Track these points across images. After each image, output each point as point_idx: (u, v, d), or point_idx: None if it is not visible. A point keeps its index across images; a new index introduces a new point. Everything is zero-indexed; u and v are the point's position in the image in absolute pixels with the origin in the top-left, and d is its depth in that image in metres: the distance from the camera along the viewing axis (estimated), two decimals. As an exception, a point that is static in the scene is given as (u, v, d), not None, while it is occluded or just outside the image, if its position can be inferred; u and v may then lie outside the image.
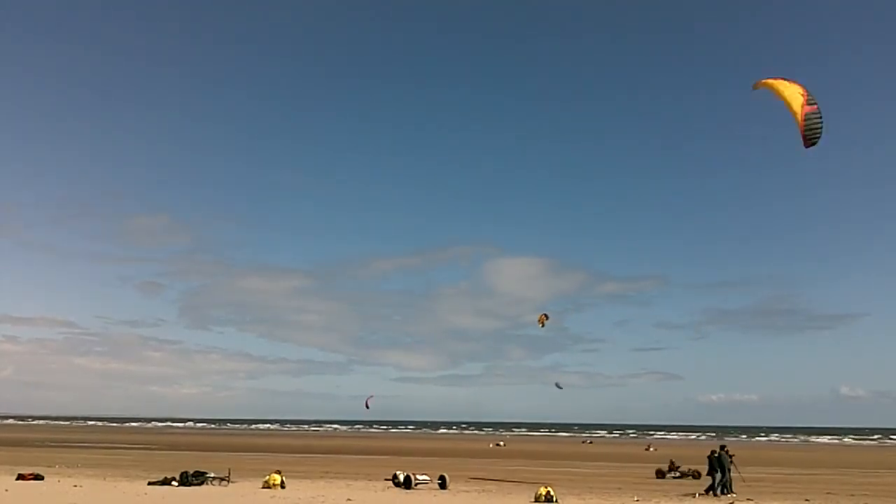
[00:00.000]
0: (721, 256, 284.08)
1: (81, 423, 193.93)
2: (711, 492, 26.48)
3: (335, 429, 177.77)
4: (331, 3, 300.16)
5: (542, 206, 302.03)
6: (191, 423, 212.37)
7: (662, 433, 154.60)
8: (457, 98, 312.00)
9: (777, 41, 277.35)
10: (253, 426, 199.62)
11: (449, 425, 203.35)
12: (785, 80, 20.25)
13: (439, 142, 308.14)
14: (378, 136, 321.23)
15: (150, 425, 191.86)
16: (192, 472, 29.29)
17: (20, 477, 29.82)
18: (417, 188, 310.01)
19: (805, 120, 19.61)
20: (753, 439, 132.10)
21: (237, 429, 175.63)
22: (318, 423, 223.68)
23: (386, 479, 31.25)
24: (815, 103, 19.75)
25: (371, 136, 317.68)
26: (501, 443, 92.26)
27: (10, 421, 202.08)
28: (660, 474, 36.21)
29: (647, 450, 73.08)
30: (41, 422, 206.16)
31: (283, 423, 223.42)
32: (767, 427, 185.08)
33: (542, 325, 44.53)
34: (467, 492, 27.60)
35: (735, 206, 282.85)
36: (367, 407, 62.74)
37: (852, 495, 28.48)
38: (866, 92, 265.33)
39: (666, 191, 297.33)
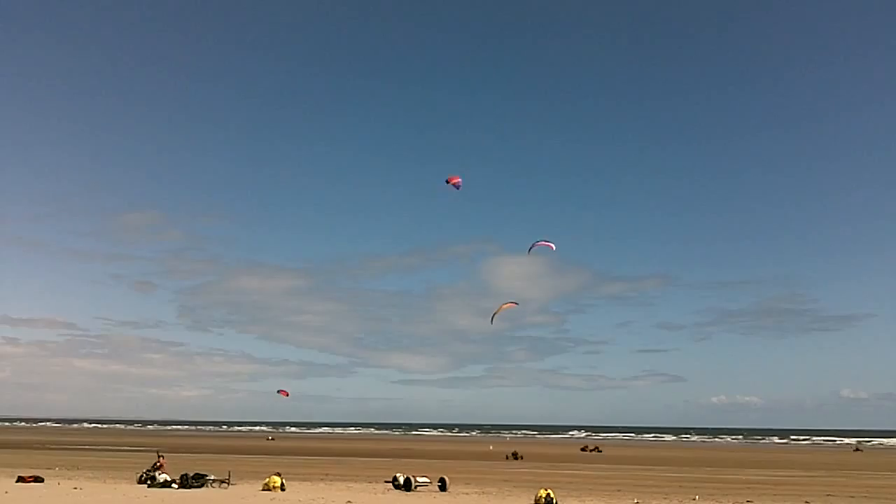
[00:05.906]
0: (724, 257, 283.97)
1: (81, 426, 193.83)
2: None
3: (336, 431, 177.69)
4: (330, 3, 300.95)
5: (543, 205, 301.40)
6: (189, 427, 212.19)
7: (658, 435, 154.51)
8: (455, 97, 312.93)
9: (778, 40, 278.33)
10: (256, 428, 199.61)
11: (450, 427, 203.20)
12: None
13: (437, 141, 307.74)
14: (375, 136, 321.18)
15: (150, 427, 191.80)
16: (192, 474, 29.28)
17: (20, 479, 29.81)
18: (415, 186, 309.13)
19: None
20: (754, 441, 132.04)
21: (237, 431, 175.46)
22: (319, 425, 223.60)
23: (386, 482, 31.24)
24: None
25: (368, 136, 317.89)
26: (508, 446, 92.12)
27: (10, 423, 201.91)
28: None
29: None
30: (41, 424, 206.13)
31: (283, 425, 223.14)
32: (768, 429, 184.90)
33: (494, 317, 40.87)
34: (467, 494, 27.56)
35: (738, 207, 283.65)
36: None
37: (852, 497, 28.49)
38: (873, 93, 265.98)
39: (668, 190, 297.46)
